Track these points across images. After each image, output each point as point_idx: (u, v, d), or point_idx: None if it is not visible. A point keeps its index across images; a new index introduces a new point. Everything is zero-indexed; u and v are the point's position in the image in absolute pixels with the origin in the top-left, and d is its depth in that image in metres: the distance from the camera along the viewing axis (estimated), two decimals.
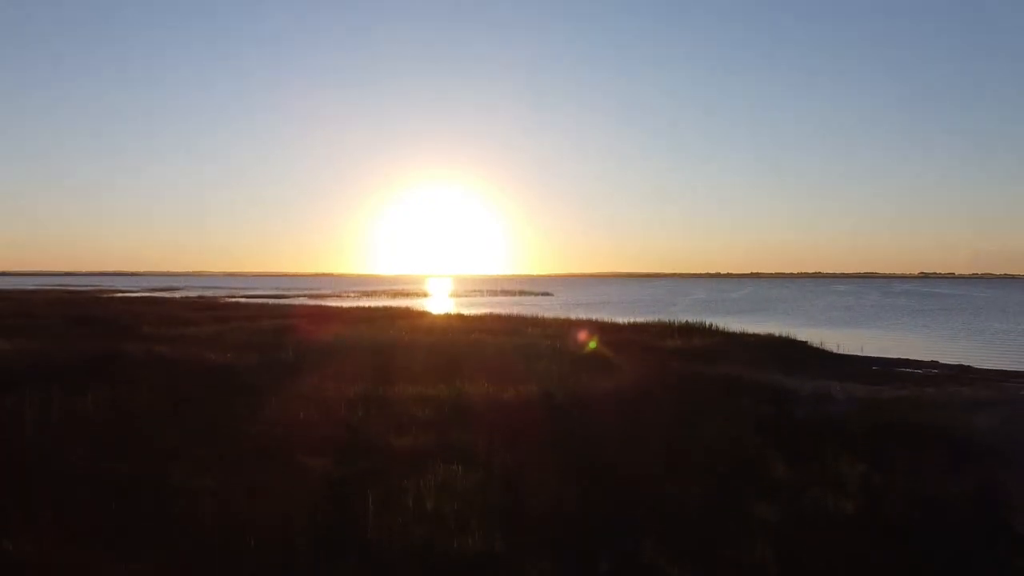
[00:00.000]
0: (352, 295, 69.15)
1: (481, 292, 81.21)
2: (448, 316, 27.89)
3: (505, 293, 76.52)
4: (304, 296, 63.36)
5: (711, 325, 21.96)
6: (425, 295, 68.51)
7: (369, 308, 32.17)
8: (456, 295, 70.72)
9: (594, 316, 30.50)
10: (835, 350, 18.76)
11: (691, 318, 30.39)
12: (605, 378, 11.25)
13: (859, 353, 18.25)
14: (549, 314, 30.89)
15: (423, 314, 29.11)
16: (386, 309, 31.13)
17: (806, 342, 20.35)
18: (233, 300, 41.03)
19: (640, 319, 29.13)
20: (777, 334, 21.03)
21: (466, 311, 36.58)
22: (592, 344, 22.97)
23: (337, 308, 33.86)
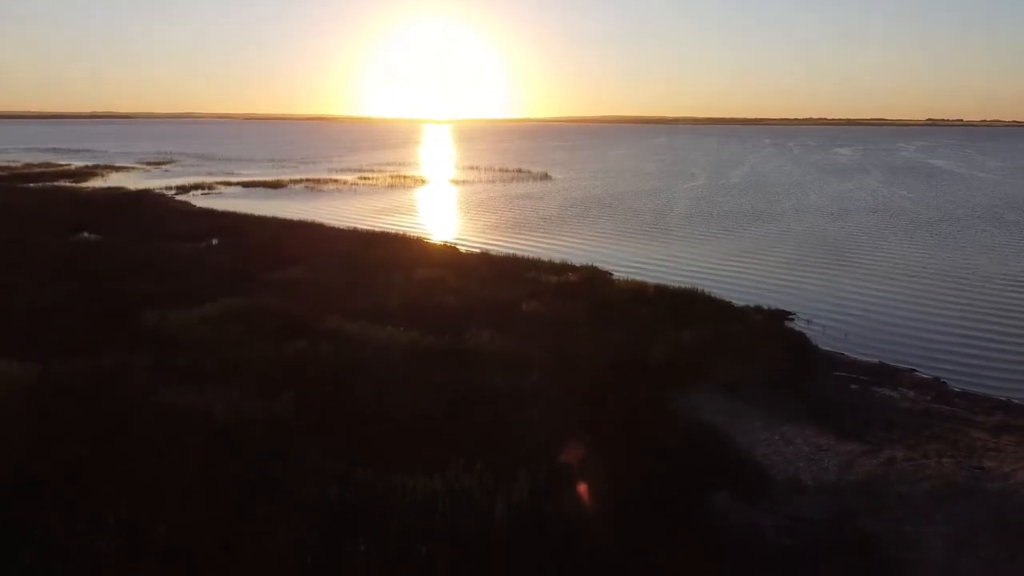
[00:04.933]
0: (347, 176, 68.63)
1: (478, 170, 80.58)
2: (441, 257, 27.77)
3: (502, 173, 75.88)
4: (301, 182, 62.62)
5: (705, 293, 22.27)
6: (423, 181, 67.86)
7: (359, 236, 32.27)
8: (454, 180, 70.06)
9: (587, 246, 30.78)
10: (821, 340, 19.19)
11: (683, 259, 30.52)
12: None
13: (843, 347, 18.72)
14: (546, 252, 31.00)
15: (415, 248, 29.13)
16: (379, 238, 31.24)
17: (793, 321, 20.85)
18: (231, 212, 40.68)
19: (630, 258, 29.26)
20: (765, 307, 21.51)
21: (462, 232, 36.46)
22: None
23: (329, 230, 33.91)
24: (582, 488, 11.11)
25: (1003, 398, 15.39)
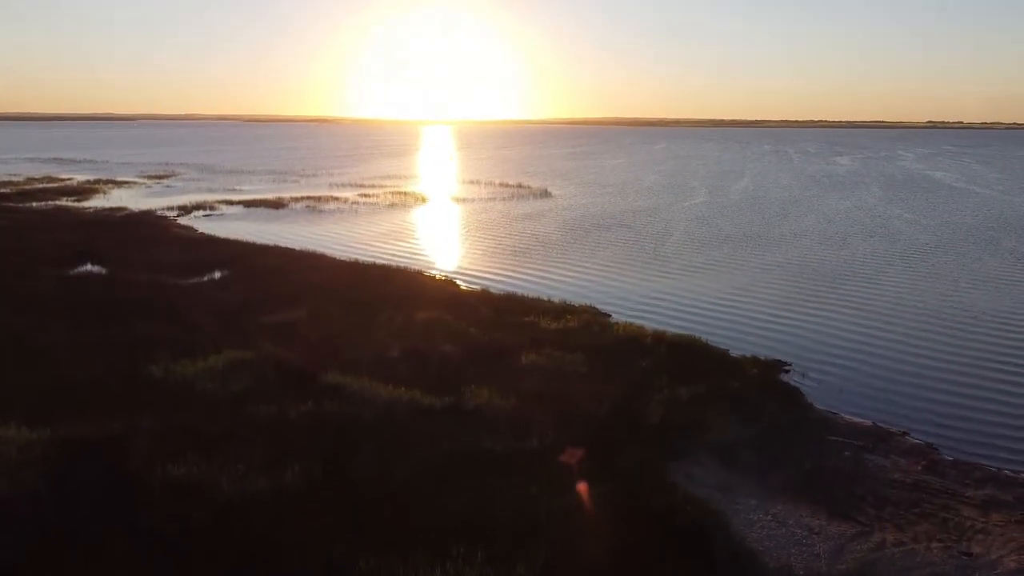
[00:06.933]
0: (347, 192, 69.00)
1: (479, 185, 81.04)
2: (440, 295, 28.04)
3: (502, 189, 76.34)
4: (302, 200, 62.86)
5: (702, 341, 22.52)
6: (423, 199, 68.08)
7: (360, 269, 32.59)
8: (454, 197, 70.35)
9: (586, 279, 31.02)
10: (816, 396, 19.44)
11: (681, 296, 30.73)
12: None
13: (837, 404, 18.96)
14: (545, 287, 31.25)
15: (415, 283, 29.40)
16: (379, 273, 31.56)
17: (789, 372, 21.10)
18: (233, 240, 40.91)
19: (629, 295, 29.47)
20: (762, 358, 21.76)
21: (461, 262, 36.63)
22: None
23: (331, 262, 34.23)
24: None
25: (993, 467, 15.66)
